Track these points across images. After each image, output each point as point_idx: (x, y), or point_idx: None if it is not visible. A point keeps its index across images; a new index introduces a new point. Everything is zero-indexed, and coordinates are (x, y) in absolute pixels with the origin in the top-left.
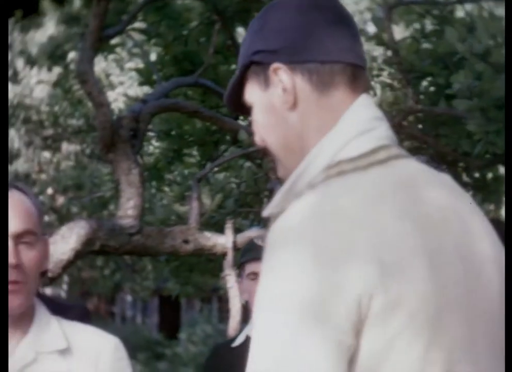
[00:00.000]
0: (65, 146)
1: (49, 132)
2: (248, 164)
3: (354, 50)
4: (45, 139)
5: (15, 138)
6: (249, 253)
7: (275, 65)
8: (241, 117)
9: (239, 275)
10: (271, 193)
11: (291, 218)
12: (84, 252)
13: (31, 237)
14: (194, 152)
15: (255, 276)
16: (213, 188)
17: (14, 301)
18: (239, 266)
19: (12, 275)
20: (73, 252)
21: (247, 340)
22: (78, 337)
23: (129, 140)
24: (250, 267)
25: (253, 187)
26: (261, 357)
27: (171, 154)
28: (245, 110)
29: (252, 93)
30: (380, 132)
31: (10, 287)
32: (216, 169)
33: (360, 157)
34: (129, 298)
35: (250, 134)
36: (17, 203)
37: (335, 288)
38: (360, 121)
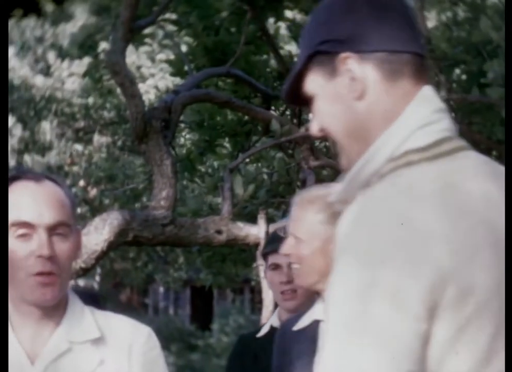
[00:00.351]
0: (97, 139)
1: (81, 124)
2: (279, 154)
3: (418, 40)
4: (77, 131)
5: (47, 130)
6: (271, 245)
7: (344, 54)
8: (273, 107)
9: (265, 265)
10: (303, 183)
11: (366, 210)
12: (117, 243)
13: (65, 229)
14: (226, 143)
15: (276, 266)
16: (245, 179)
17: (48, 293)
18: (263, 257)
19: (46, 267)
20: (106, 243)
21: (271, 330)
22: (111, 327)
23: (161, 131)
24: (271, 259)
25: (285, 177)
26: (352, 344)
27: (203, 145)
28: (302, 101)
29: (315, 83)
30: (444, 123)
31: (44, 278)
32: (247, 159)
33: (426, 148)
34: (161, 289)
35: (282, 124)
36: (50, 194)
37: (412, 277)
38: (425, 113)
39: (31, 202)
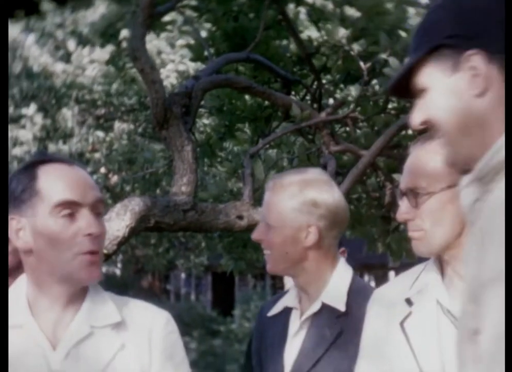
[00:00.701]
0: (118, 125)
1: (102, 111)
2: (300, 139)
3: None
4: (98, 118)
5: (68, 117)
6: None
7: (472, 51)
8: (293, 92)
9: None
10: (323, 168)
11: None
12: (139, 229)
13: (102, 207)
14: (246, 128)
15: None
16: (265, 164)
17: (95, 272)
18: None
19: (94, 245)
20: (127, 229)
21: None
22: (130, 311)
23: (182, 116)
24: None
25: (306, 162)
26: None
27: (223, 130)
28: (407, 93)
29: (431, 76)
30: None
31: (92, 257)
32: (267, 145)
33: None
34: (183, 275)
35: (302, 108)
36: (85, 175)
37: None
38: None
39: (72, 182)
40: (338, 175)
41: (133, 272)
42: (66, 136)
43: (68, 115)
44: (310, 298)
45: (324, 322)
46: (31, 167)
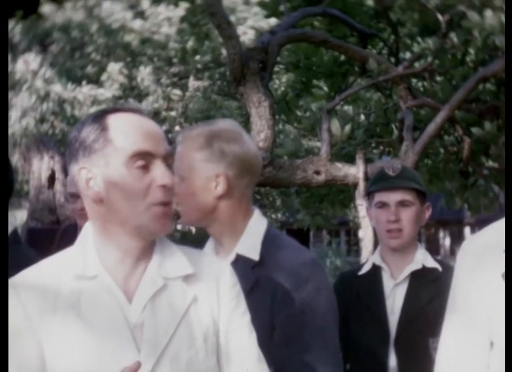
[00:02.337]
0: (193, 83)
1: (177, 68)
2: (376, 94)
3: None
4: (173, 76)
5: (144, 75)
6: (378, 183)
7: None
8: (369, 46)
9: (369, 203)
10: (401, 123)
11: None
12: None
13: (172, 160)
14: (322, 84)
15: (382, 205)
16: (342, 120)
17: (169, 223)
18: (368, 194)
19: (168, 196)
20: None
21: (373, 268)
22: (198, 263)
23: (259, 72)
24: (378, 197)
25: (382, 117)
26: None
27: (299, 87)
28: None
29: None
30: None
31: (166, 208)
32: (344, 100)
33: None
34: None
35: (379, 62)
36: (156, 126)
37: None
38: None
39: (146, 132)
40: (416, 130)
41: (198, 229)
42: (142, 95)
43: (144, 73)
44: (226, 250)
45: (239, 273)
46: (101, 116)
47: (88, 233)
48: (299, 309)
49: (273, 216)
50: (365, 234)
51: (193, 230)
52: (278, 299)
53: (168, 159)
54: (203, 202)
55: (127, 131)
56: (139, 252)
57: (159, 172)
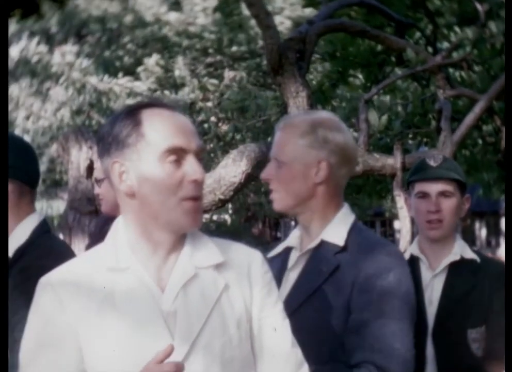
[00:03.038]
0: (228, 73)
1: (213, 59)
2: (413, 84)
3: None
4: (209, 66)
5: (180, 66)
6: (419, 173)
7: None
8: (406, 36)
9: (408, 193)
10: (438, 113)
11: None
12: (255, 175)
13: (203, 155)
14: (359, 74)
15: (423, 195)
16: (379, 110)
17: (199, 218)
18: (408, 184)
19: (198, 191)
20: (244, 175)
21: (412, 258)
22: (229, 252)
23: (297, 62)
24: (419, 187)
25: (420, 107)
26: None
27: (335, 76)
28: None
29: None
30: None
31: (197, 203)
32: (381, 90)
33: None
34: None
35: (417, 52)
36: (188, 122)
37: None
38: None
39: (178, 128)
40: (454, 120)
41: (244, 219)
42: (178, 85)
43: (180, 64)
44: (311, 237)
45: (322, 257)
46: (135, 111)
47: (119, 226)
48: (378, 296)
49: None
50: (403, 225)
51: (229, 220)
52: (358, 285)
53: (200, 154)
54: (302, 188)
55: (160, 127)
56: (171, 244)
57: (190, 167)
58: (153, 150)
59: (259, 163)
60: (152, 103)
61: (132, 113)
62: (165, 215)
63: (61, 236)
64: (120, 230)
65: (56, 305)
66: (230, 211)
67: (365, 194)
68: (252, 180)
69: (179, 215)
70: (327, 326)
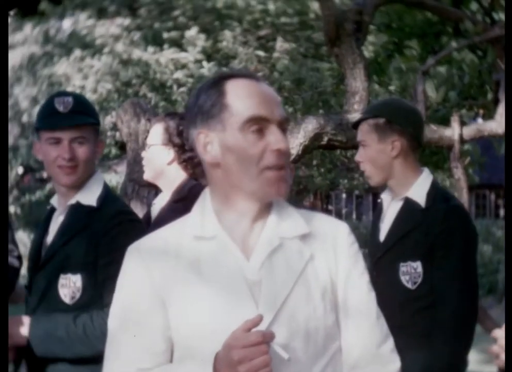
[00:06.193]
0: (280, 45)
1: (264, 31)
2: (470, 55)
3: None
4: (259, 38)
5: (229, 38)
6: None
7: None
8: (464, 7)
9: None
10: (496, 84)
11: None
12: (312, 147)
13: (287, 125)
14: (415, 45)
15: None
16: (436, 82)
17: (282, 187)
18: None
19: (282, 160)
20: (301, 147)
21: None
22: (314, 223)
23: (354, 33)
24: None
25: (477, 79)
26: None
27: (391, 47)
28: None
29: None
30: None
31: (281, 172)
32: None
33: None
34: (344, 195)
35: (475, 23)
36: (271, 91)
37: None
38: None
39: (261, 98)
40: None
41: (295, 192)
42: (229, 57)
43: (229, 36)
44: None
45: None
46: (219, 82)
47: (205, 196)
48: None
49: (361, 179)
50: (460, 196)
51: None
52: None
53: (283, 125)
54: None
55: (244, 96)
56: (255, 213)
57: (273, 137)
58: (236, 120)
59: (317, 135)
60: (236, 74)
61: (217, 84)
62: (248, 184)
63: None
64: (206, 200)
65: (143, 271)
66: None
67: (421, 165)
68: (309, 152)
69: (262, 184)
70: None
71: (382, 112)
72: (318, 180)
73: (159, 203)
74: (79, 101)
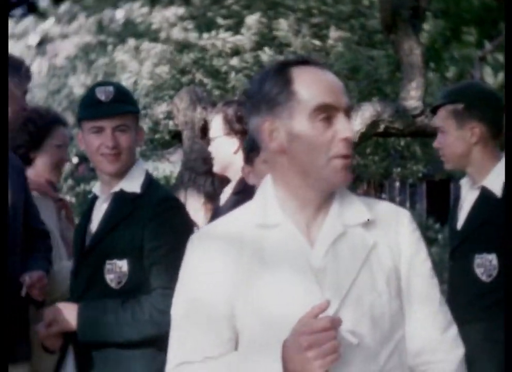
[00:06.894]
0: (333, 33)
1: (317, 19)
2: None
3: None
4: (313, 26)
5: (284, 27)
6: None
7: None
8: None
9: None
10: None
11: None
12: (369, 135)
13: (351, 113)
14: (472, 31)
15: None
16: (493, 67)
17: (349, 176)
18: None
19: (349, 149)
20: (358, 135)
21: None
22: (377, 210)
23: (410, 19)
24: None
25: None
26: None
27: (448, 34)
28: None
29: None
30: None
31: (347, 161)
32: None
33: None
34: (397, 184)
35: None
36: (337, 79)
37: None
38: None
39: (328, 85)
40: None
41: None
42: (282, 45)
43: (283, 24)
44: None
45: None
46: (285, 69)
47: (268, 184)
48: None
49: (414, 167)
50: None
51: None
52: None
53: (348, 112)
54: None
55: (311, 84)
56: (319, 201)
57: (341, 125)
58: (304, 108)
59: (374, 123)
60: (302, 60)
61: (282, 71)
62: (316, 173)
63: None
64: (268, 187)
65: (206, 261)
66: None
67: None
68: (366, 139)
69: (330, 172)
70: None
71: (461, 97)
72: (372, 169)
73: (227, 192)
74: (120, 90)
